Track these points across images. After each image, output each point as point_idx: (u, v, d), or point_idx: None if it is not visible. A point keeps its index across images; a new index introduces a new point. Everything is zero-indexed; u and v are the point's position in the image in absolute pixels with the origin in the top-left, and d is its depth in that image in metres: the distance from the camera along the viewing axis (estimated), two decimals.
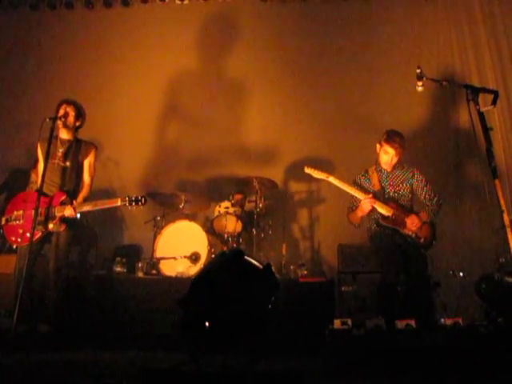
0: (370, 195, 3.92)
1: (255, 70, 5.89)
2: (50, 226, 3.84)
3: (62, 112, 4.03)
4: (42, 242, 3.90)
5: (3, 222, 3.98)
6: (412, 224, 3.88)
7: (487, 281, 3.97)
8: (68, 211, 3.84)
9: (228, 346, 2.57)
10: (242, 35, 6.02)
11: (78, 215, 3.91)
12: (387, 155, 3.99)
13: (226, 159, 5.68)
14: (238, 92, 5.92)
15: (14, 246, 3.99)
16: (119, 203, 3.93)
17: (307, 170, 4.08)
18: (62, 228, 3.87)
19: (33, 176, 5.13)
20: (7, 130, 5.83)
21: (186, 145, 5.81)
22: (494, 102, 3.26)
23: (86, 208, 3.94)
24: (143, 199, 3.95)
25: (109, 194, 5.63)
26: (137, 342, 3.95)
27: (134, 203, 3.92)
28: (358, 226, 4.12)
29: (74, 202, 3.92)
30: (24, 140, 5.48)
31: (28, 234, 3.64)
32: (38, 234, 3.79)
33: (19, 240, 3.81)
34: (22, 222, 3.87)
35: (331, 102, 5.66)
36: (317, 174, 4.05)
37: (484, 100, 3.33)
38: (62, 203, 3.90)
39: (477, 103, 3.19)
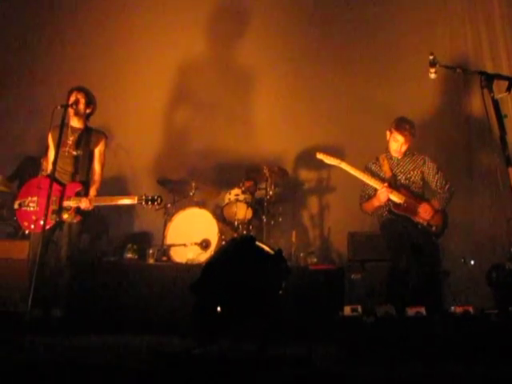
0: (386, 184, 3.90)
1: (266, 57, 5.86)
2: (65, 216, 3.87)
3: (72, 99, 4.03)
4: (54, 228, 3.93)
5: (16, 206, 3.99)
6: (425, 213, 3.87)
7: (498, 270, 3.95)
8: (84, 204, 3.88)
9: (239, 331, 2.60)
10: (253, 21, 5.98)
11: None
12: (397, 142, 3.98)
13: (236, 146, 5.67)
14: (248, 79, 5.90)
15: (27, 232, 4.03)
16: (135, 201, 3.97)
17: (319, 156, 4.06)
18: (77, 219, 3.90)
19: (44, 164, 5.17)
20: (19, 118, 5.86)
21: (197, 132, 5.82)
22: (508, 89, 3.20)
23: (102, 202, 3.98)
24: (159, 199, 3.99)
25: (119, 181, 5.67)
26: (147, 327, 4.00)
27: (150, 202, 3.96)
28: (371, 215, 4.12)
29: (91, 194, 3.95)
30: (35, 128, 5.51)
31: (41, 222, 3.67)
32: (52, 223, 3.82)
33: (32, 226, 3.84)
34: (36, 208, 3.89)
35: (342, 88, 5.61)
36: (329, 160, 4.03)
37: (498, 87, 3.28)
38: (78, 194, 3.93)
39: (491, 90, 3.14)
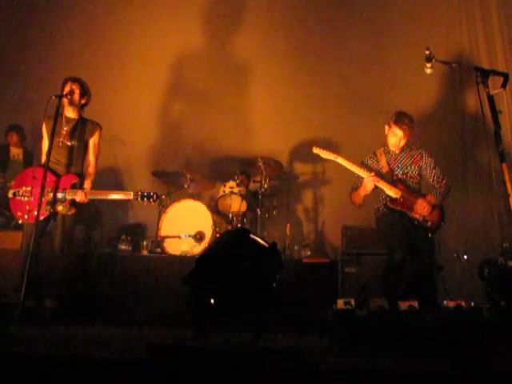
0: (373, 173, 3.90)
1: (262, 49, 5.84)
2: (60, 208, 3.84)
3: (67, 89, 4.00)
4: (48, 219, 3.91)
5: (10, 195, 3.96)
6: (422, 209, 3.86)
7: (490, 265, 3.98)
8: (79, 197, 3.85)
9: (232, 323, 2.61)
10: (249, 14, 5.96)
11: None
12: (395, 137, 3.97)
13: (231, 139, 5.67)
14: (244, 71, 5.88)
15: (20, 222, 4.01)
16: (131, 197, 3.96)
17: (315, 150, 4.05)
18: (72, 211, 3.88)
19: (12, 149, 5.38)
20: (13, 108, 5.80)
21: (192, 124, 5.80)
22: (503, 85, 3.22)
23: (98, 196, 3.96)
24: (155, 195, 3.99)
25: (114, 172, 5.66)
26: (141, 319, 4.01)
27: (145, 199, 3.95)
28: (359, 207, 4.10)
29: (86, 187, 3.93)
30: (29, 118, 5.47)
31: (35, 213, 3.65)
32: (46, 214, 3.79)
33: (26, 217, 3.81)
34: (30, 198, 3.84)
35: (339, 82, 5.61)
36: (325, 155, 4.02)
37: (493, 82, 3.29)
38: (73, 186, 3.90)
39: (486, 86, 3.15)
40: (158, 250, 4.64)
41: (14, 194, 3.93)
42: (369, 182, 3.86)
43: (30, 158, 5.36)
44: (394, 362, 2.55)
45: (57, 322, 3.63)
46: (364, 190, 3.92)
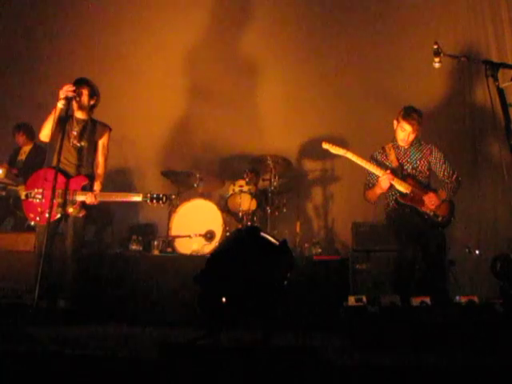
0: (388, 171, 3.88)
1: (270, 46, 5.84)
2: (70, 210, 3.87)
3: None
4: (59, 220, 3.95)
5: (23, 197, 3.99)
6: (430, 202, 3.84)
7: (502, 260, 3.95)
8: (90, 199, 3.88)
9: (244, 322, 2.61)
10: (258, 10, 5.96)
11: None
12: (404, 132, 3.94)
13: (240, 137, 5.67)
14: (253, 70, 5.88)
15: (32, 223, 4.05)
16: (141, 199, 3.96)
17: (325, 146, 4.03)
18: (82, 214, 3.91)
19: None
20: (25, 110, 5.85)
21: (201, 123, 5.81)
22: None
23: (107, 198, 3.98)
24: (164, 197, 3.98)
25: (124, 173, 5.69)
26: (152, 318, 4.03)
27: (155, 201, 3.94)
28: (374, 204, 4.09)
29: (96, 189, 3.96)
30: (41, 119, 5.51)
31: (47, 215, 3.68)
32: (57, 216, 3.83)
33: (38, 219, 3.85)
34: (41, 200, 3.87)
35: (347, 78, 5.59)
36: (334, 150, 3.99)
37: (503, 76, 3.26)
38: (84, 188, 3.93)
39: (496, 79, 3.12)
40: (169, 249, 4.66)
41: (27, 196, 3.97)
42: (384, 180, 3.84)
43: (41, 152, 5.33)
44: (406, 359, 2.54)
45: (69, 322, 3.67)
46: (380, 188, 3.90)
